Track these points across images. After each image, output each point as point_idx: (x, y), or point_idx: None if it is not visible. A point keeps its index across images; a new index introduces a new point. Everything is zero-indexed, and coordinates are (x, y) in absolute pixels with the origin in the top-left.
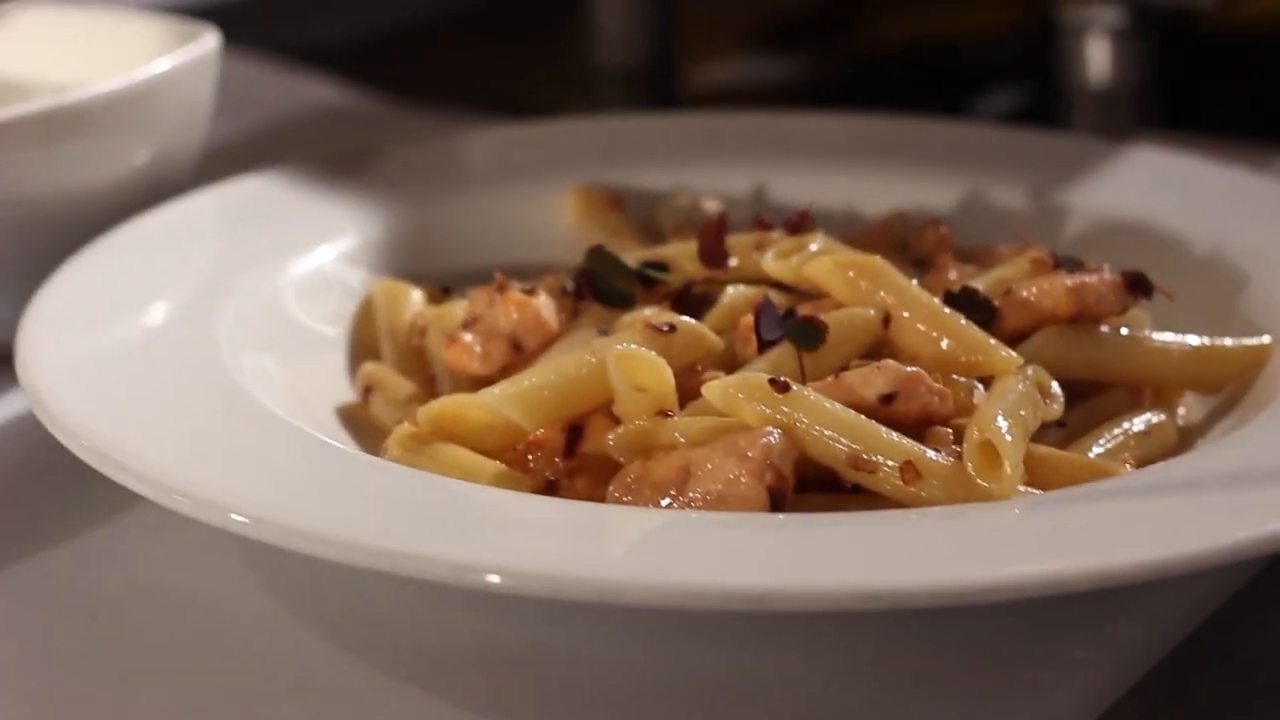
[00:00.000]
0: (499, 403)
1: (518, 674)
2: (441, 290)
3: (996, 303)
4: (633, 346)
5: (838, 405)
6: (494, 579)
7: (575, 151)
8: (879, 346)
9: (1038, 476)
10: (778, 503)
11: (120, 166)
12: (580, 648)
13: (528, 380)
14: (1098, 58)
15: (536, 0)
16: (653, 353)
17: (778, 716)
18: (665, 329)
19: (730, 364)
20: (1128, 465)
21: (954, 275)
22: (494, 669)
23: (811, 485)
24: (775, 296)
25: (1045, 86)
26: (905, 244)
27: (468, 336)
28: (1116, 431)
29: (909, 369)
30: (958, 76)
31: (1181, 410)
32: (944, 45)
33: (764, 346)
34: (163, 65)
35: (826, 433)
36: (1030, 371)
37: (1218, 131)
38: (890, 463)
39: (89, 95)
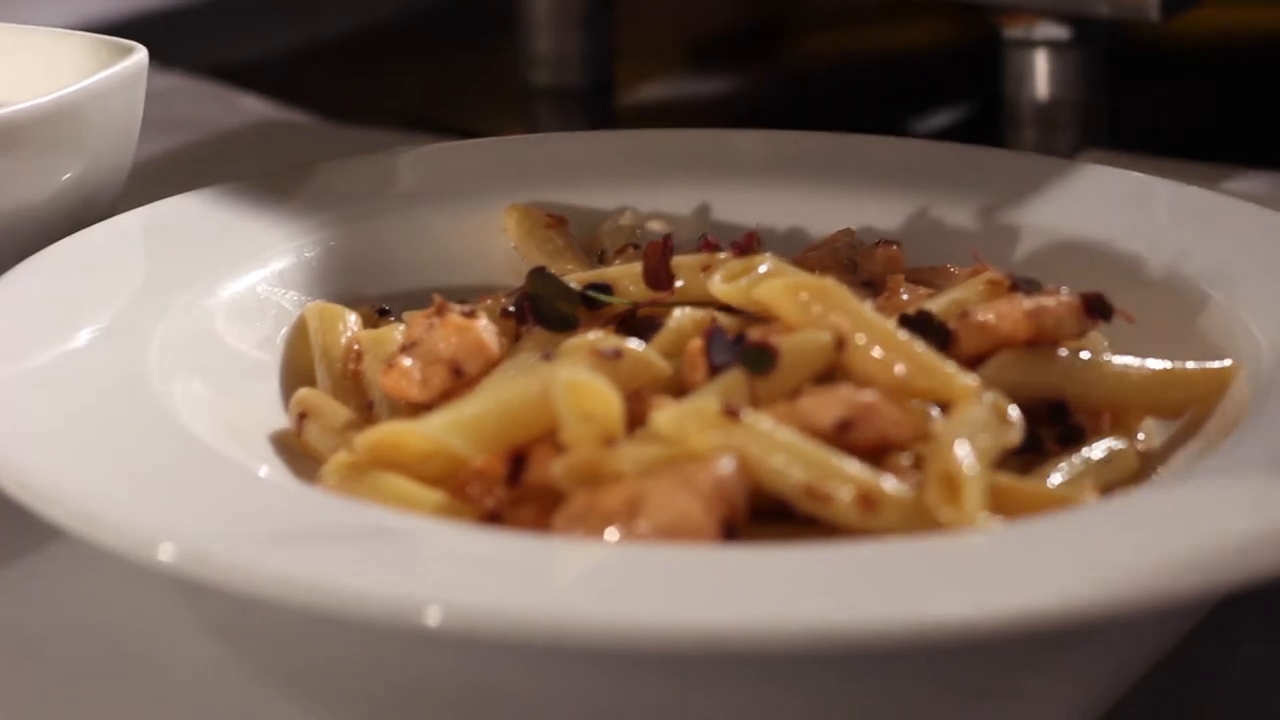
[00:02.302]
0: (440, 430)
1: (464, 716)
2: (378, 313)
3: (952, 326)
4: (578, 372)
5: (791, 432)
6: (433, 618)
7: (514, 170)
8: (832, 371)
9: (998, 506)
10: (730, 535)
11: (46, 186)
12: (530, 687)
13: (470, 407)
14: (1041, 73)
15: (468, 18)
16: (599, 379)
17: None
18: (611, 354)
19: (678, 389)
20: (1091, 494)
21: (906, 297)
22: (439, 710)
23: (764, 516)
24: (724, 320)
25: (985, 103)
26: (854, 265)
27: (406, 361)
28: (1076, 459)
29: (865, 395)
30: (896, 94)
31: (1141, 435)
32: (881, 62)
33: (713, 372)
34: (90, 81)
35: (780, 461)
36: (988, 397)
37: (1164, 149)
38: (846, 492)
39: (14, 112)
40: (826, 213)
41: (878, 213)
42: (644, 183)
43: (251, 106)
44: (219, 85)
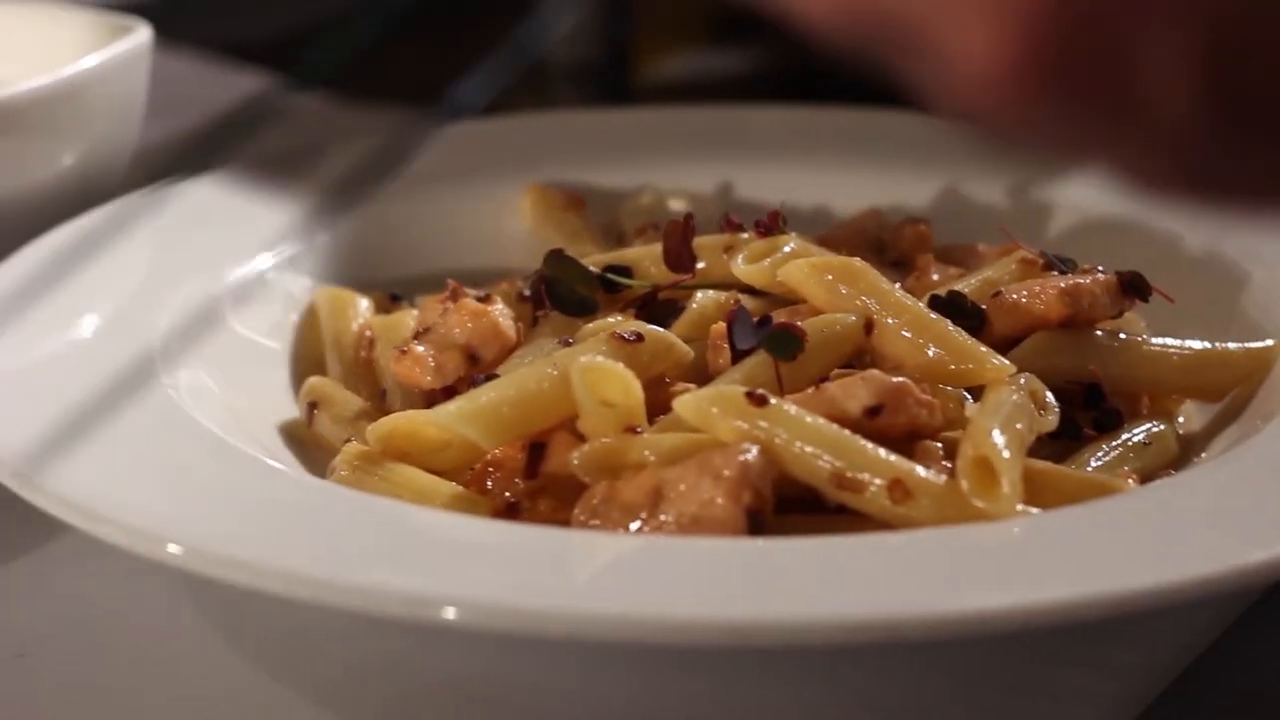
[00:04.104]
0: (455, 420)
1: (475, 710)
2: (390, 298)
3: (984, 306)
4: (598, 358)
5: (819, 419)
6: (450, 613)
7: (530, 149)
8: (860, 355)
9: (1035, 494)
10: (756, 525)
11: (48, 169)
12: (543, 681)
13: (485, 395)
14: None
15: None
16: (619, 365)
17: None
18: (631, 338)
19: (701, 375)
20: (1130, 480)
21: (936, 277)
22: (450, 705)
23: (792, 505)
24: (747, 302)
25: None
26: (882, 244)
27: (419, 348)
28: (1114, 443)
29: (895, 379)
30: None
31: (1180, 419)
32: None
33: (737, 356)
34: (92, 61)
35: (808, 449)
36: (1023, 380)
37: None
38: (877, 481)
39: (14, 93)
40: (852, 191)
41: (904, 190)
42: (664, 161)
43: (254, 86)
44: (220, 65)
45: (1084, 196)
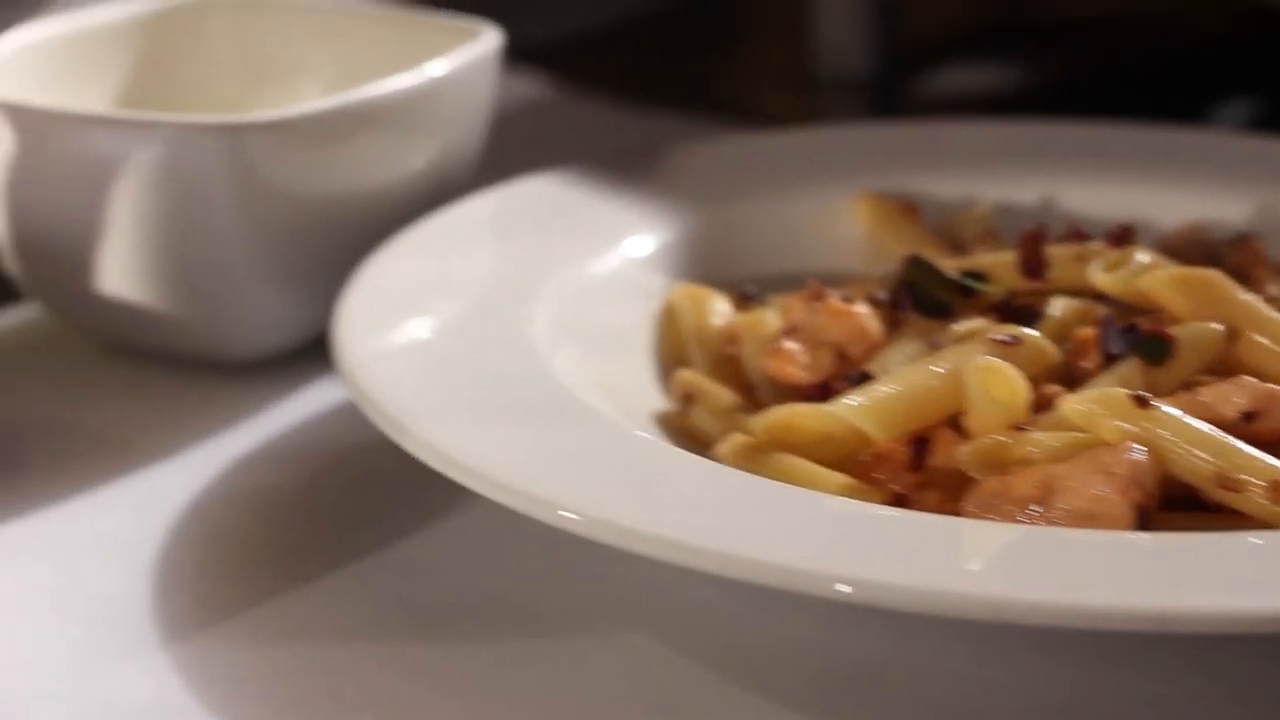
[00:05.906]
0: (852, 413)
1: (865, 690)
2: (743, 297)
3: None
4: (992, 359)
5: (1201, 422)
6: (845, 588)
7: (852, 159)
8: (1217, 363)
9: None
10: (1144, 521)
11: (407, 166)
12: (930, 665)
13: (879, 391)
14: None
15: (742, 6)
16: (1011, 366)
17: None
18: (1011, 341)
19: (1064, 378)
20: None
21: (1275, 291)
22: (842, 684)
23: (1171, 504)
24: (1100, 309)
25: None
26: (1216, 258)
27: (790, 345)
28: None
29: (1269, 386)
30: (1175, 85)
31: None
32: (1161, 52)
33: (1107, 361)
34: (450, 63)
35: (1190, 450)
36: None
37: None
38: (1258, 481)
39: (379, 93)
40: (1164, 206)
41: (1220, 208)
42: (983, 172)
43: (529, 88)
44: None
45: None
